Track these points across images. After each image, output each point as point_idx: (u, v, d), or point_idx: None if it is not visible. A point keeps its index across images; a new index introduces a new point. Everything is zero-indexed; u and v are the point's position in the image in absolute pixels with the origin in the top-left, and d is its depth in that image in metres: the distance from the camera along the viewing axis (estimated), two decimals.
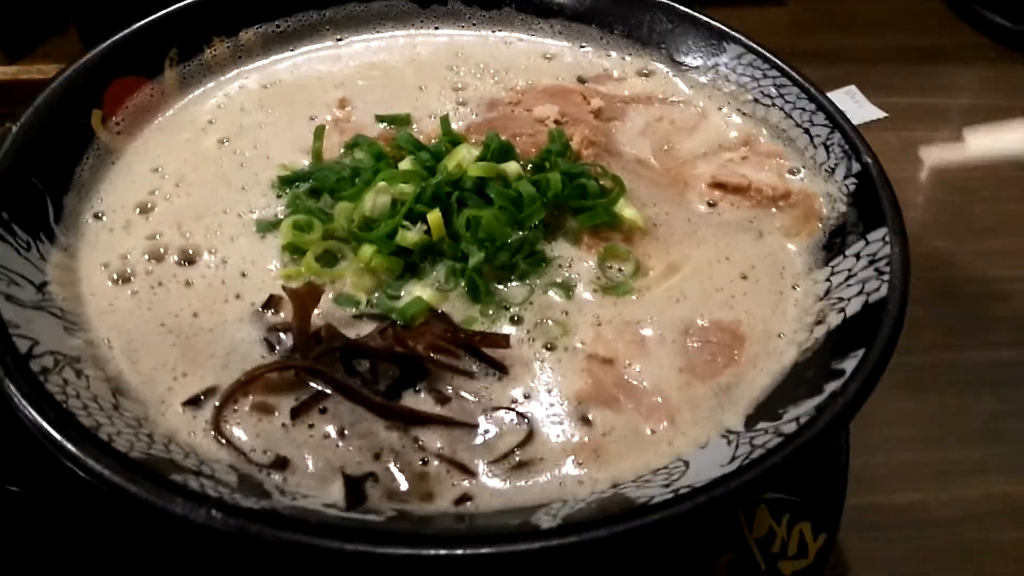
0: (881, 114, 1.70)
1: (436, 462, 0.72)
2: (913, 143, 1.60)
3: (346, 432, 0.73)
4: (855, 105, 1.71)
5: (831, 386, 0.71)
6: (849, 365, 0.73)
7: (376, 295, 0.84)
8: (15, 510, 0.87)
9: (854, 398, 0.70)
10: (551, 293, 0.86)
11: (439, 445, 0.73)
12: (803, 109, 1.02)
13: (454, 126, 1.02)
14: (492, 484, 0.70)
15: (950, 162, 1.56)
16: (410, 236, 0.85)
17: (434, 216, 0.86)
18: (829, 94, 1.58)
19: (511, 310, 0.84)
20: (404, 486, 0.70)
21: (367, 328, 0.81)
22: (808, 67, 1.68)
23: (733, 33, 1.10)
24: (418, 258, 0.87)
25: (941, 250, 1.42)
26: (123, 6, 1.28)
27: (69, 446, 0.63)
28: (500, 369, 0.78)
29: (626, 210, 0.92)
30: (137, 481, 0.62)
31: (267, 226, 0.90)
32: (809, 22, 1.95)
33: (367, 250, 0.85)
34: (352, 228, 0.87)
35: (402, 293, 0.84)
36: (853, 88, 1.75)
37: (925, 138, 1.64)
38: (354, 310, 0.83)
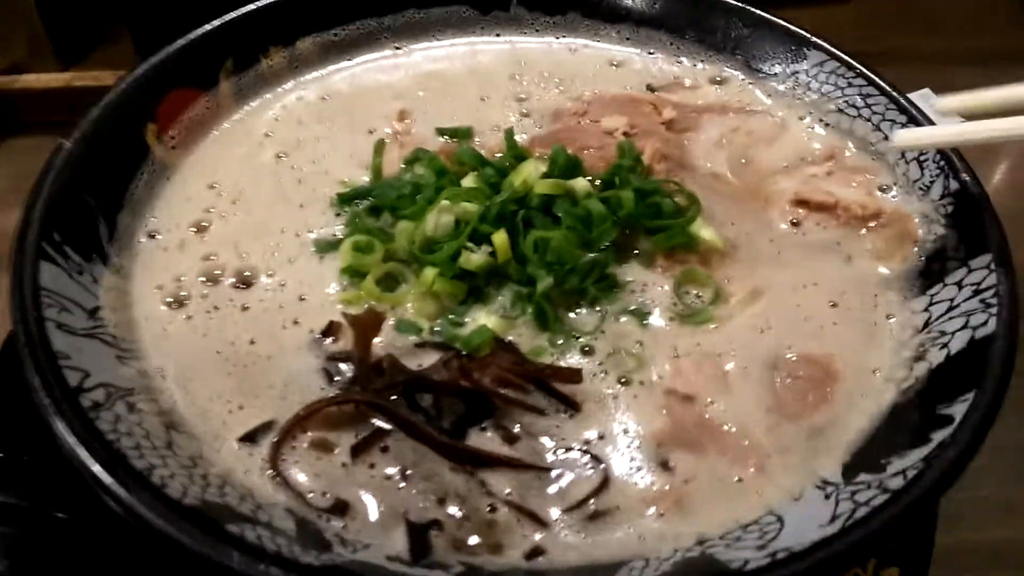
0: (957, 119, 1.61)
1: (505, 509, 0.67)
2: (993, 151, 1.51)
3: (409, 473, 0.69)
4: (930, 110, 1.63)
5: (939, 435, 0.65)
6: (958, 411, 0.66)
7: (439, 322, 0.80)
8: (62, 537, 0.85)
9: (965, 449, 0.64)
10: (624, 321, 0.80)
11: (507, 490, 0.68)
12: (893, 121, 0.95)
13: (517, 139, 0.97)
14: (566, 536, 0.65)
15: None
16: (475, 259, 0.81)
17: (499, 237, 0.82)
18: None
19: (581, 339, 0.79)
20: (472, 536, 0.65)
21: (430, 358, 0.77)
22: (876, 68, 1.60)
23: (814, 39, 1.03)
24: (482, 282, 0.82)
25: None
26: (177, 13, 1.26)
27: (121, 492, 0.60)
28: (572, 406, 0.73)
29: (703, 230, 0.86)
30: (191, 532, 0.58)
31: (326, 246, 0.86)
32: (875, 21, 1.86)
33: (429, 273, 0.80)
34: (414, 249, 0.83)
35: (466, 320, 0.80)
36: (927, 91, 1.66)
37: (1006, 146, 1.55)
38: (416, 338, 0.78)
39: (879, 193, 0.92)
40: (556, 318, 0.80)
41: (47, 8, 1.35)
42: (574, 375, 0.74)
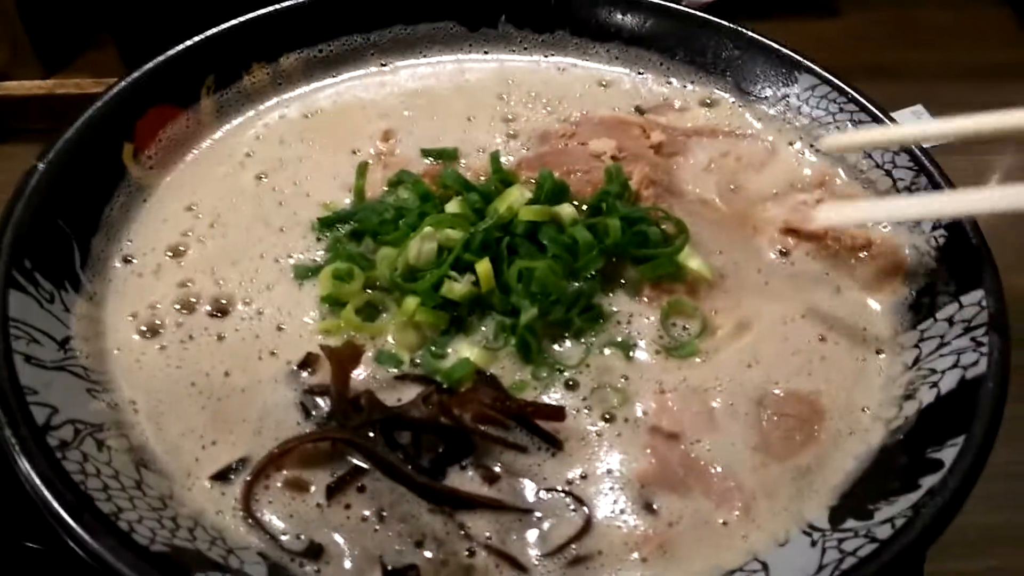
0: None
1: (484, 553, 0.65)
2: (984, 169, 1.49)
3: (385, 514, 0.67)
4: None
5: (928, 480, 0.64)
6: (947, 455, 0.65)
7: (420, 353, 0.78)
8: (35, 568, 0.83)
9: (954, 496, 0.62)
10: (609, 353, 0.79)
11: (487, 534, 0.66)
12: (884, 149, 0.93)
13: (504, 160, 0.96)
14: None
15: None
16: (457, 288, 0.79)
17: (483, 267, 0.80)
18: (893, 114, 1.50)
19: (566, 373, 0.77)
20: None
21: (410, 391, 0.75)
22: (867, 84, 1.58)
23: (806, 62, 1.02)
24: (465, 312, 0.80)
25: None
26: (162, 21, 1.24)
27: (87, 537, 0.58)
28: (554, 444, 0.72)
29: (691, 260, 0.85)
30: None
31: (305, 272, 0.84)
32: (866, 34, 1.83)
33: (411, 303, 0.79)
34: (395, 278, 0.81)
35: (448, 351, 0.78)
36: (920, 108, 1.64)
37: (998, 164, 1.54)
38: (396, 370, 0.77)
39: (869, 224, 0.90)
40: (540, 350, 0.78)
41: (30, 14, 1.33)
42: (557, 413, 0.72)
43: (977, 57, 1.78)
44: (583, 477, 0.70)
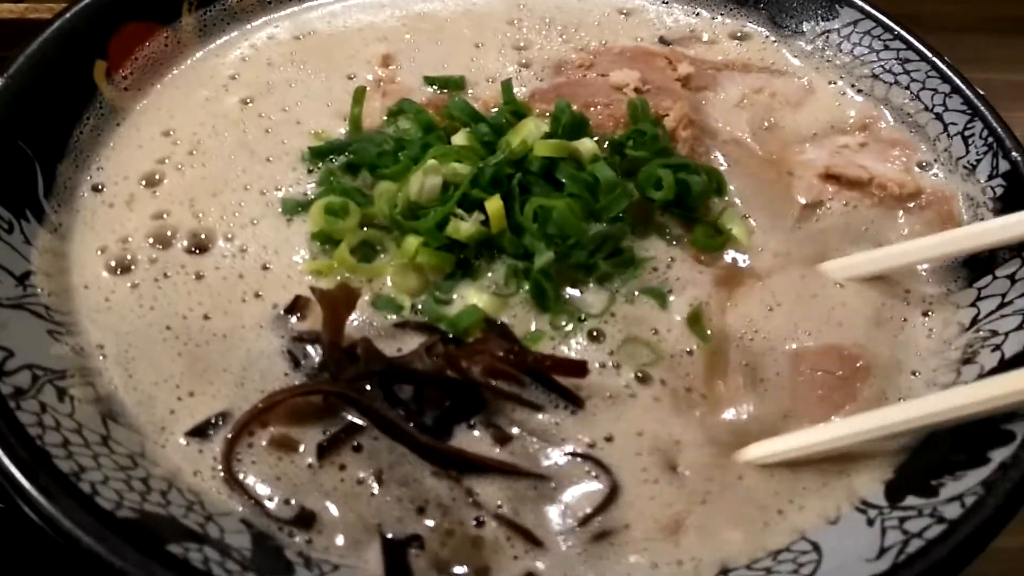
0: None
1: (494, 523, 0.58)
2: (1011, 127, 1.41)
3: (384, 477, 0.60)
4: None
5: (998, 454, 0.57)
6: (1019, 427, 0.58)
7: (422, 298, 0.70)
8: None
9: None
10: (641, 302, 0.71)
11: (498, 502, 0.59)
12: (934, 90, 0.86)
13: (516, 92, 0.87)
14: (566, 560, 0.56)
15: None
16: (464, 228, 0.71)
17: (494, 204, 0.72)
18: None
19: (588, 322, 0.69)
20: (455, 555, 0.56)
21: (411, 341, 0.67)
22: None
23: None
24: (472, 254, 0.73)
25: None
26: None
27: (41, 500, 0.50)
28: (574, 402, 0.64)
29: (734, 226, 0.77)
30: (124, 553, 0.48)
31: (294, 207, 0.76)
32: None
33: (412, 242, 0.71)
34: (395, 215, 0.73)
35: (453, 297, 0.70)
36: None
37: (1021, 121, 1.46)
38: (396, 317, 0.69)
39: (918, 170, 0.83)
40: (557, 297, 0.70)
41: None
42: (578, 368, 0.64)
43: (1002, 10, 1.70)
44: (608, 440, 0.63)
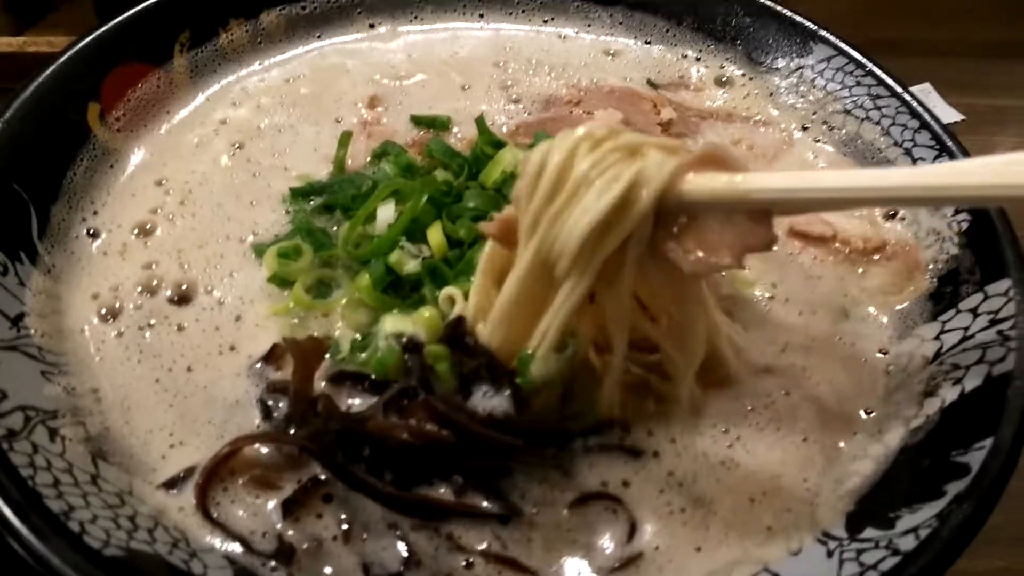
0: (958, 116, 1.54)
1: (483, 562, 0.59)
2: (991, 149, 1.44)
3: (358, 527, 0.61)
4: (930, 106, 1.56)
5: (953, 487, 0.59)
6: (974, 459, 0.60)
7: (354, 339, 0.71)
8: None
9: (981, 504, 0.58)
10: None
11: (482, 543, 0.60)
12: (904, 126, 0.88)
13: (504, 125, 0.89)
14: None
15: None
16: (408, 263, 0.73)
17: (434, 234, 0.74)
18: None
19: None
20: None
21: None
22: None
23: (820, 31, 0.96)
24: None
25: None
26: None
27: (32, 539, 0.53)
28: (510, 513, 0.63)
29: None
30: None
31: (264, 251, 0.77)
32: (873, 9, 1.78)
33: (365, 278, 0.72)
34: (347, 249, 0.74)
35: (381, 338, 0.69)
36: (928, 86, 1.58)
37: (1003, 144, 1.48)
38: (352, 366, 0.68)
39: (885, 221, 0.85)
40: None
41: None
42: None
43: (984, 35, 1.72)
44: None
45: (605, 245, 0.58)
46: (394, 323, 0.70)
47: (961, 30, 1.73)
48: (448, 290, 0.70)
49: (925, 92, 1.59)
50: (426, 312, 0.69)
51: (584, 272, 0.59)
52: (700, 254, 0.57)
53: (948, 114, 1.55)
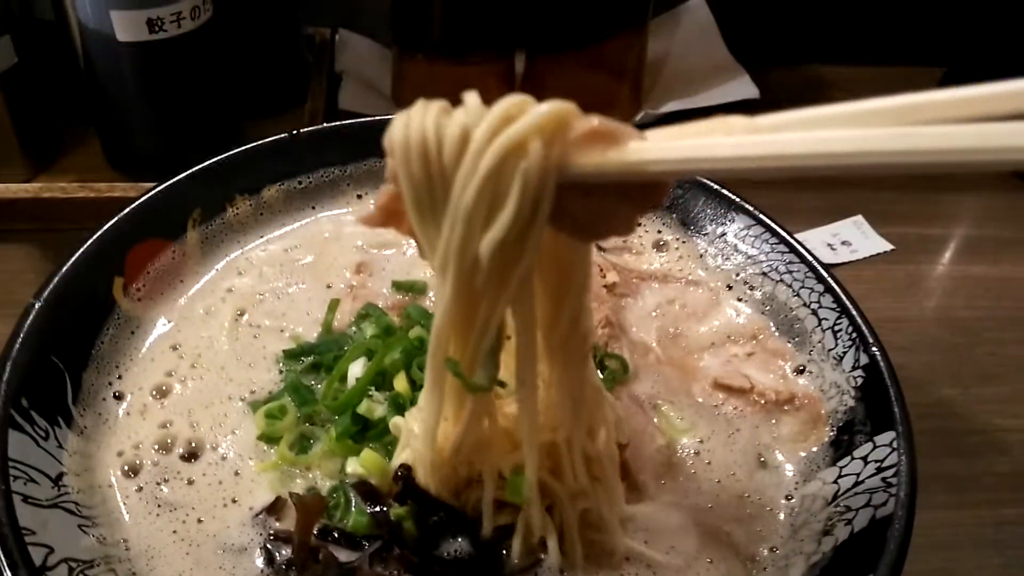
0: (888, 246, 1.68)
1: None
2: (919, 278, 1.59)
3: None
4: (862, 237, 1.69)
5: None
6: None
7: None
8: None
9: None
10: None
11: None
12: (811, 289, 1.03)
13: None
14: None
15: (955, 300, 1.55)
16: (376, 409, 0.84)
17: (400, 382, 0.85)
18: (835, 225, 1.58)
19: None
20: None
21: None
22: (809, 194, 1.66)
23: (742, 203, 1.12)
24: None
25: (949, 398, 1.42)
26: (143, 119, 1.30)
27: None
28: None
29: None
30: None
31: (258, 408, 0.89)
32: None
33: (333, 431, 0.84)
34: (329, 404, 0.86)
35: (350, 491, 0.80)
36: (860, 218, 1.72)
37: (931, 272, 1.63)
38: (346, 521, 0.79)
39: (795, 376, 0.99)
40: None
41: (19, 113, 1.38)
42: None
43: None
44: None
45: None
46: (353, 466, 0.82)
47: None
48: (395, 420, 0.82)
49: (858, 224, 1.73)
50: (364, 453, 0.81)
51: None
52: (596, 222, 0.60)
53: (879, 244, 1.68)
